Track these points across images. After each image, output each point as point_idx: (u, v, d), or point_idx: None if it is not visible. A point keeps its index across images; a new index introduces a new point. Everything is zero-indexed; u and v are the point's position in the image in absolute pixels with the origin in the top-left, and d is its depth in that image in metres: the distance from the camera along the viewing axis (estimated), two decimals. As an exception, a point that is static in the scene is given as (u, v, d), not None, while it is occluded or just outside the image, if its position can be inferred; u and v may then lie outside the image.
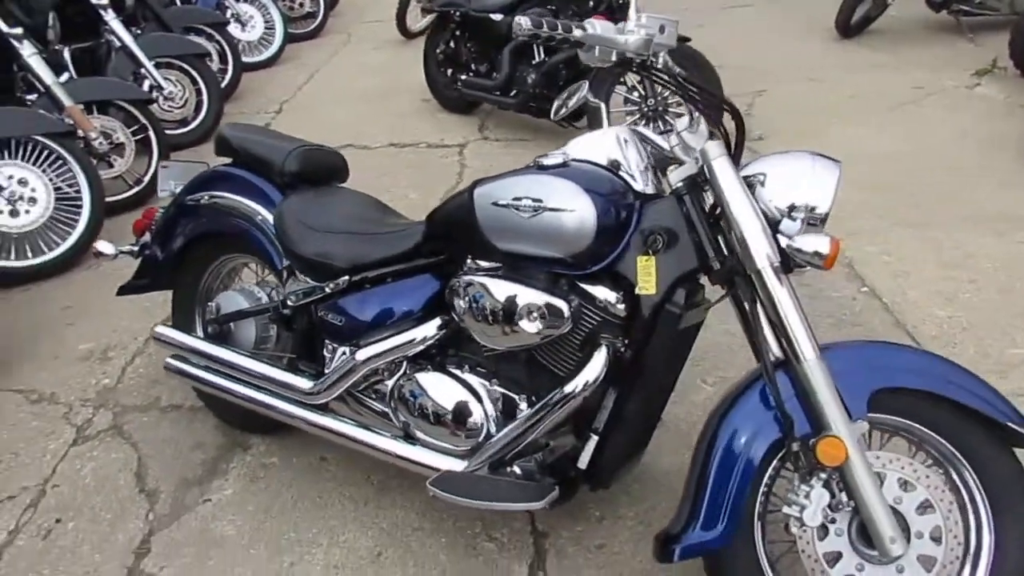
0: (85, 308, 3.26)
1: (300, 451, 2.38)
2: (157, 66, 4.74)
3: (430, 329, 1.92)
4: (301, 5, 7.49)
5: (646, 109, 4.11)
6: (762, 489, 1.62)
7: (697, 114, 1.70)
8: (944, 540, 1.56)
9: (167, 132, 4.72)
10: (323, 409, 2.09)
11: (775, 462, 1.62)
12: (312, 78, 6.33)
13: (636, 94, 4.14)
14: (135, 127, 4.19)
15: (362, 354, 1.97)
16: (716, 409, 1.67)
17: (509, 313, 1.73)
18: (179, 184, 2.44)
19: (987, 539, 1.57)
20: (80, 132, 3.83)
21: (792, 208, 1.62)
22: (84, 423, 2.61)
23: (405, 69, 5.95)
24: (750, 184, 1.66)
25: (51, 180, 3.56)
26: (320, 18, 7.63)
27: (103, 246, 2.52)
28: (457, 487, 1.78)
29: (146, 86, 4.66)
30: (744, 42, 6.35)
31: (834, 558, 1.58)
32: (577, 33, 1.48)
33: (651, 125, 4.14)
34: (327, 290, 2.04)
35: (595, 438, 1.80)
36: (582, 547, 2.02)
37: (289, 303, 2.11)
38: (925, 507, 1.58)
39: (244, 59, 6.17)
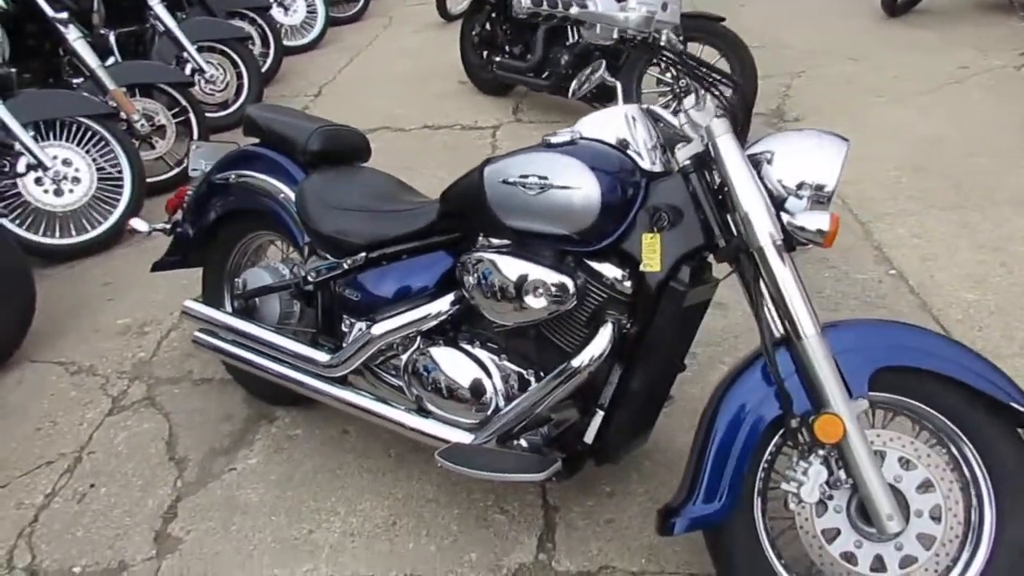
0: (124, 284, 3.39)
1: (323, 424, 2.46)
2: (199, 50, 4.86)
3: (443, 305, 1.97)
4: (344, -11, 7.58)
5: (678, 90, 4.07)
6: (762, 465, 1.63)
7: (704, 92, 1.70)
8: (944, 519, 1.56)
9: (208, 115, 4.85)
10: (341, 382, 2.15)
11: (776, 439, 1.63)
12: (352, 61, 6.40)
13: (669, 75, 4.10)
14: (176, 110, 4.31)
15: (377, 328, 2.03)
16: (719, 385, 1.69)
17: (516, 289, 1.76)
18: (209, 163, 2.52)
19: (988, 519, 1.56)
20: (123, 114, 3.96)
21: (799, 186, 1.63)
22: (120, 394, 2.72)
23: (444, 51, 5.98)
24: (757, 162, 1.66)
25: (94, 161, 3.68)
26: (362, 2, 7.70)
27: (137, 223, 2.62)
28: (464, 458, 1.82)
29: (188, 69, 4.78)
30: (787, 21, 6.23)
31: (833, 535, 1.59)
32: (574, 11, 1.49)
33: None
34: (345, 266, 2.09)
35: (601, 413, 1.83)
36: (591, 521, 2.05)
37: (310, 279, 2.17)
38: (925, 486, 1.57)
39: (286, 43, 6.27)
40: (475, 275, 1.83)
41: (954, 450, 1.60)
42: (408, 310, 2.01)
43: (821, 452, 1.54)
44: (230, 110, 5.13)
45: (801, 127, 4.27)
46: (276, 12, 6.37)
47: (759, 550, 1.62)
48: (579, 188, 1.67)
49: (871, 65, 5.15)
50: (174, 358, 2.88)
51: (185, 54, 4.76)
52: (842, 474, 1.55)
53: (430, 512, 2.12)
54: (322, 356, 2.14)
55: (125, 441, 2.50)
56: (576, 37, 4.46)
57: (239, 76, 5.16)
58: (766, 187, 1.64)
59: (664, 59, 1.68)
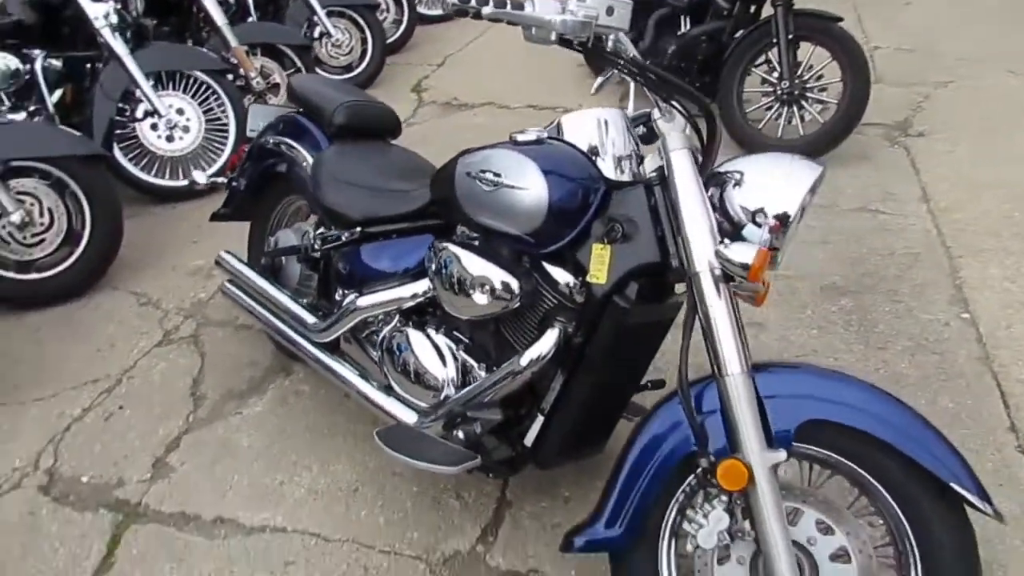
0: (209, 230, 3.62)
1: (328, 386, 2.56)
2: (329, 15, 5.11)
3: (419, 287, 2.00)
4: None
5: (780, 92, 3.84)
6: (676, 501, 1.56)
7: (665, 104, 1.61)
8: (855, 594, 1.43)
9: (331, 77, 5.13)
10: (331, 349, 2.24)
11: (692, 477, 1.55)
12: (483, 35, 6.48)
13: (775, 75, 3.87)
14: (292, 70, 4.56)
15: (360, 301, 2.10)
16: (648, 412, 1.62)
17: (465, 282, 1.77)
18: (264, 124, 2.67)
19: (913, 608, 1.41)
20: (241, 71, 4.25)
21: (757, 212, 1.52)
22: (172, 328, 2.97)
23: (574, 32, 5.93)
24: (724, 182, 1.57)
25: (204, 112, 3.99)
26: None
27: (197, 175, 2.83)
28: (396, 440, 1.86)
29: (316, 32, 5.05)
30: (951, 25, 5.68)
31: (732, 586, 1.50)
32: (487, 11, 1.41)
33: (787, 110, 3.87)
34: (343, 238, 2.17)
35: (541, 418, 1.81)
36: (539, 523, 2.04)
37: (316, 247, 2.27)
38: (840, 556, 1.44)
39: (422, 11, 6.44)
40: (436, 263, 1.85)
41: (891, 523, 1.46)
42: (389, 288, 2.06)
43: (724, 498, 1.45)
44: (352, 74, 5.37)
45: (930, 144, 3.92)
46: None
47: (657, 585, 1.55)
48: (528, 189, 1.64)
49: (1031, 81, 4.61)
50: (227, 304, 3.08)
51: (315, 18, 5.02)
52: (746, 525, 1.45)
53: (392, 486, 2.18)
54: (312, 320, 2.24)
55: (161, 372, 2.73)
56: (686, 26, 4.29)
57: (364, 42, 5.37)
58: (726, 210, 1.55)
59: (614, 64, 1.58)
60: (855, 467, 1.46)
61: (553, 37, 1.48)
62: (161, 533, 2.09)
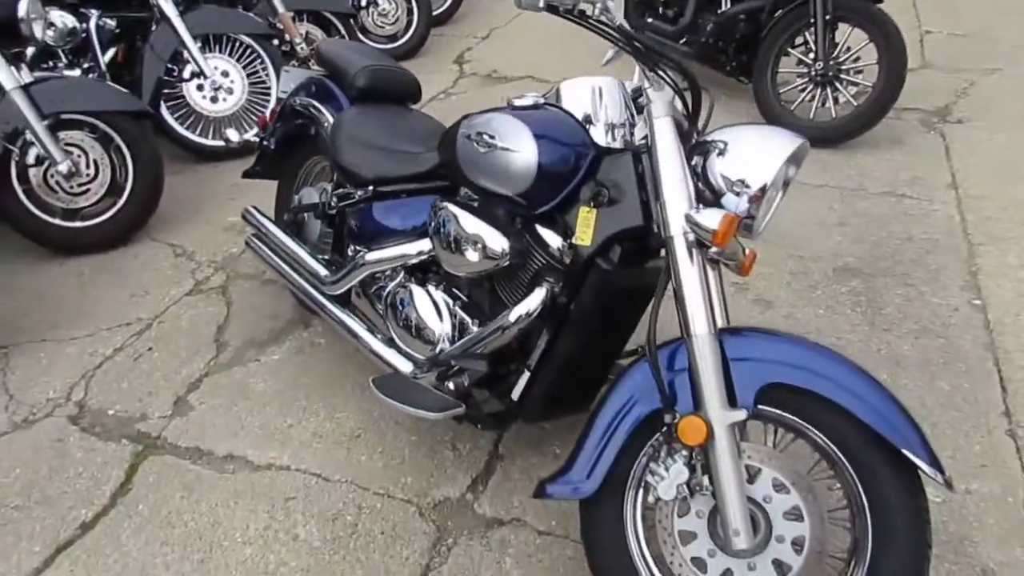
0: (247, 189, 3.78)
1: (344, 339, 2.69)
2: (378, -16, 5.22)
3: (423, 245, 2.09)
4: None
5: (815, 73, 3.80)
6: (644, 455, 1.62)
7: (651, 72, 1.65)
8: (805, 551, 1.48)
9: (377, 45, 5.24)
10: (342, 303, 2.35)
11: (658, 433, 1.61)
12: (530, 8, 6.49)
13: (811, 56, 3.84)
14: (335, 37, 4.68)
15: (368, 256, 2.20)
16: (622, 370, 1.68)
17: (459, 240, 1.85)
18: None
19: (861, 568, 1.46)
20: (287, 37, 4.38)
21: (736, 182, 1.57)
22: (203, 279, 3.12)
23: (620, 8, 5.93)
24: (707, 151, 1.62)
25: (248, 76, 4.13)
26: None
27: (230, 133, 2.97)
28: (390, 388, 1.97)
29: (363, 1, 5.15)
30: (1008, 10, 5.51)
31: (690, 538, 1.57)
32: None
33: (820, 92, 3.84)
34: (356, 196, 2.27)
35: (527, 374, 1.89)
36: (526, 476, 2.12)
37: (332, 204, 2.37)
38: (795, 513, 1.50)
39: (473, -17, 6.50)
40: (436, 221, 1.94)
41: (848, 487, 1.50)
42: (395, 245, 2.16)
43: (684, 453, 1.52)
44: (398, 43, 5.47)
45: (967, 131, 3.85)
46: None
47: (622, 536, 1.62)
48: (519, 152, 1.71)
49: (1086, 72, 4.47)
50: (255, 258, 3.23)
51: (363, -14, 5.14)
52: (705, 479, 1.52)
53: (392, 434, 2.29)
54: (325, 273, 2.35)
55: (189, 318, 2.88)
56: (727, 5, 4.27)
57: (410, 12, 5.46)
58: (707, 179, 1.60)
59: (596, 31, 1.63)
60: (815, 431, 1.51)
61: (541, 4, 1.54)
62: (176, 465, 2.23)
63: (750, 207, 1.58)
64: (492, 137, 1.76)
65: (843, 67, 3.78)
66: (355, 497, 2.09)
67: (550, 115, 1.76)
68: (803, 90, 3.90)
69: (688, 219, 1.50)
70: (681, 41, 4.41)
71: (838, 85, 3.80)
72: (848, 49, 3.81)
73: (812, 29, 3.75)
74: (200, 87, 4.05)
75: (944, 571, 1.81)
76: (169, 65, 3.94)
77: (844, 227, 3.16)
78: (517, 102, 1.81)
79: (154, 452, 2.29)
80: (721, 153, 1.60)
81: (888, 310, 2.67)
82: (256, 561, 1.93)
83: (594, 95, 1.77)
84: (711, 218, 1.47)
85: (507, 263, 1.81)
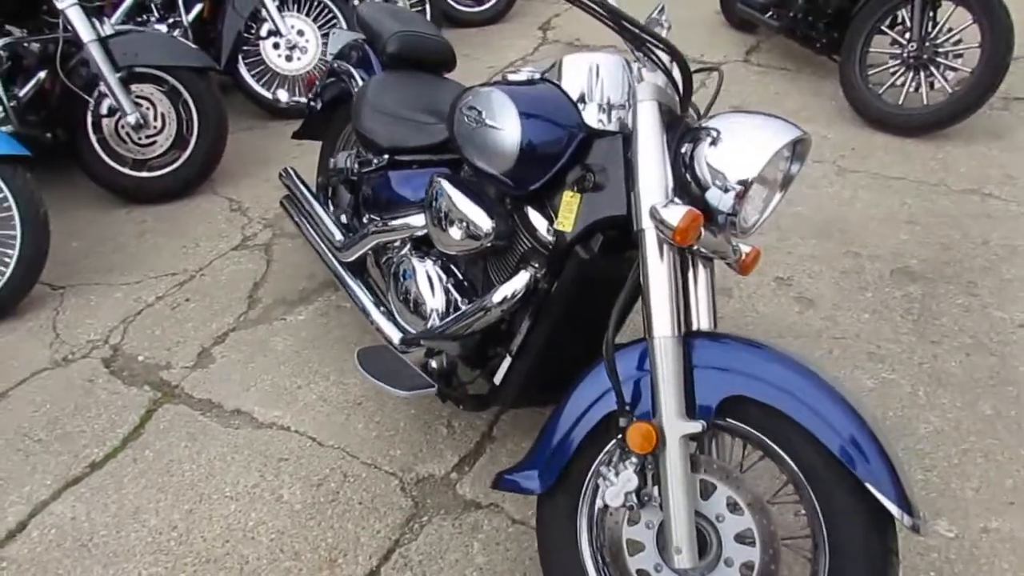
0: (309, 148, 3.84)
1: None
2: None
3: (424, 219, 2.06)
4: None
5: (908, 55, 3.49)
6: (600, 458, 1.54)
7: (642, 54, 1.54)
8: (753, 578, 1.38)
9: (463, 7, 5.22)
10: (355, 271, 2.35)
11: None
12: (628, -25, 6.28)
13: (906, 37, 3.52)
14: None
15: (374, 225, 2.19)
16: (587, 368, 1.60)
17: (445, 216, 1.80)
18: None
19: (811, 599, 1.35)
20: (364, -3, 4.40)
21: (719, 175, 1.45)
22: (251, 235, 3.21)
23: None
24: (699, 139, 1.50)
25: (323, 36, 4.18)
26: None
27: (281, 94, 3.03)
28: (368, 358, 1.97)
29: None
30: None
31: (637, 548, 1.49)
32: None
33: (913, 75, 3.53)
34: (373, 164, 2.25)
35: (509, 359, 1.83)
36: (514, 460, 2.05)
37: (353, 170, 2.37)
38: (747, 537, 1.39)
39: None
40: (429, 195, 1.89)
41: (810, 514, 1.38)
42: (401, 216, 2.13)
43: (635, 460, 1.43)
44: (484, 7, 5.40)
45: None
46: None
47: (573, 535, 1.56)
48: (503, 129, 1.64)
49: None
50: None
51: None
52: (655, 491, 1.43)
53: (392, 406, 2.29)
54: (340, 238, 2.36)
55: (230, 273, 2.97)
56: (818, -23, 3.97)
57: (499, -26, 5.38)
58: (694, 170, 1.49)
59: (585, 8, 1.52)
60: (782, 452, 1.39)
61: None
62: (187, 415, 2.31)
63: (735, 204, 1.45)
64: (480, 113, 1.69)
65: (940, 50, 3.45)
66: (343, 465, 2.11)
67: (541, 92, 1.67)
68: (894, 73, 3.60)
69: (652, 212, 1.40)
70: (767, 15, 4.14)
71: (933, 69, 3.47)
72: (949, 30, 3.47)
73: (909, 6, 3.44)
74: (276, 45, 4.14)
75: (939, 614, 1.65)
76: (249, 23, 4.04)
77: (914, 225, 2.90)
78: (512, 76, 1.73)
79: (170, 400, 2.38)
80: (714, 142, 1.48)
81: (943, 320, 2.45)
82: (238, 517, 1.98)
83: (591, 73, 1.67)
84: (673, 213, 1.36)
85: (490, 244, 1.75)
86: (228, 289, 2.88)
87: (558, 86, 1.68)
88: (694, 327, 1.55)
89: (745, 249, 1.70)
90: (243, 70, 4.12)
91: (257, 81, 4.17)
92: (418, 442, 2.17)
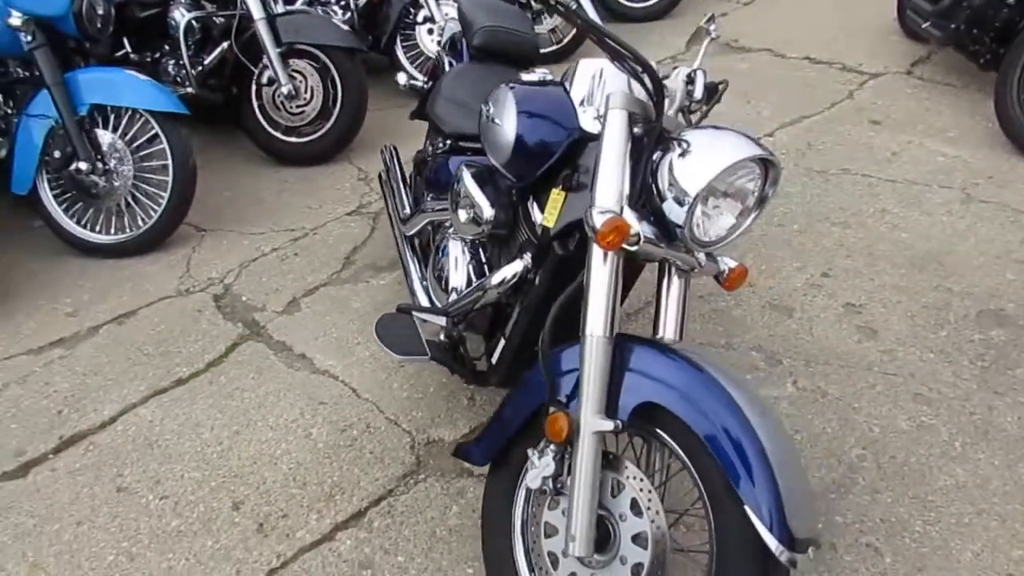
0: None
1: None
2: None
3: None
4: None
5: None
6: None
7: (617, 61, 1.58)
8: (641, 579, 1.42)
9: (625, 3, 5.30)
10: (412, 243, 2.55)
11: (544, 424, 1.61)
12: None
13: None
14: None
15: (426, 204, 2.38)
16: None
17: (458, 201, 1.95)
18: (454, 36, 2.99)
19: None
20: (523, -12, 4.58)
21: (672, 186, 1.49)
22: (366, 203, 3.52)
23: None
24: (668, 149, 1.54)
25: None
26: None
27: (399, 76, 3.27)
28: (385, 322, 2.16)
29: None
30: None
31: (552, 531, 1.58)
32: None
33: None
34: (439, 147, 2.44)
35: (503, 341, 1.95)
36: (516, 440, 2.19)
37: (429, 152, 2.57)
38: (642, 540, 1.43)
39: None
40: (454, 179, 2.04)
41: (709, 530, 1.40)
42: (447, 199, 2.30)
43: (555, 448, 1.51)
44: (649, 2, 5.40)
45: None
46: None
47: (508, 513, 1.67)
48: (502, 125, 1.75)
49: None
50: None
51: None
52: (569, 481, 1.50)
53: (429, 372, 2.48)
54: (407, 211, 2.58)
55: (337, 235, 3.30)
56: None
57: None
58: (655, 180, 1.53)
59: (565, 18, 1.58)
60: (688, 464, 1.42)
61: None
62: (262, 352, 2.64)
63: (688, 217, 1.48)
64: (488, 107, 1.82)
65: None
66: (369, 416, 2.33)
67: (544, 93, 1.77)
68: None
69: (586, 214, 1.46)
70: (925, 24, 3.83)
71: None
72: None
73: (1086, 25, 3.07)
74: (431, 31, 4.43)
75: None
76: (409, 8, 4.37)
77: (1025, 268, 2.64)
78: (524, 76, 1.83)
79: (254, 338, 2.72)
80: (682, 154, 1.51)
81: (1016, 372, 2.23)
82: (270, 444, 2.26)
83: (594, 78, 1.73)
84: (598, 218, 1.42)
85: (490, 230, 1.88)
86: (332, 249, 3.20)
87: (564, 88, 1.76)
88: (659, 335, 1.60)
89: (731, 264, 1.70)
90: (399, 52, 4.46)
91: (411, 63, 4.50)
92: (439, 408, 2.34)
